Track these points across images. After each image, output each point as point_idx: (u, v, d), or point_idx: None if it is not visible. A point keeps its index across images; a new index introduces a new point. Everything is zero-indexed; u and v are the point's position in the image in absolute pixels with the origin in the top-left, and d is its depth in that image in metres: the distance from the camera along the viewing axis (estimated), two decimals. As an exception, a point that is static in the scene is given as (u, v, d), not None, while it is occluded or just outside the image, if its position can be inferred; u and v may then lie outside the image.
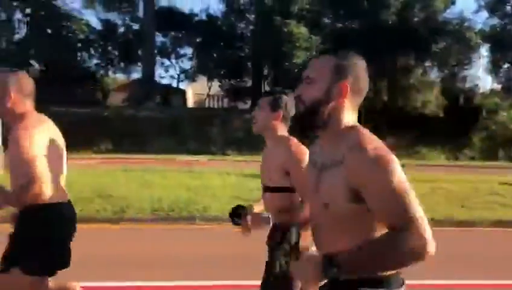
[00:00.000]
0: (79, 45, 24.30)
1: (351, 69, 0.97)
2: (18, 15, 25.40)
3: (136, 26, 24.30)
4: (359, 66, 0.98)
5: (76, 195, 4.62)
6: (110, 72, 25.68)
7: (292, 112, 1.29)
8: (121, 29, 24.71)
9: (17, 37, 25.09)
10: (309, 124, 0.98)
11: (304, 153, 1.41)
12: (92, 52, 24.71)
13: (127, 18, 24.83)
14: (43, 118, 1.68)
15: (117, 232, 4.54)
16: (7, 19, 24.73)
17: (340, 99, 0.96)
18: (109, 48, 24.58)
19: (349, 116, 0.99)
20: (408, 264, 0.86)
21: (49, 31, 24.10)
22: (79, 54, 24.59)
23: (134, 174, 7.99)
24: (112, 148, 16.67)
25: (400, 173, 0.87)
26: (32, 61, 24.83)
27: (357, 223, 0.89)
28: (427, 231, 0.84)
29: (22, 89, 1.59)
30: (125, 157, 12.64)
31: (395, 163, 0.87)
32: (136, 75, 25.30)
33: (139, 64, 24.31)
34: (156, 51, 23.43)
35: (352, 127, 0.98)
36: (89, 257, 2.92)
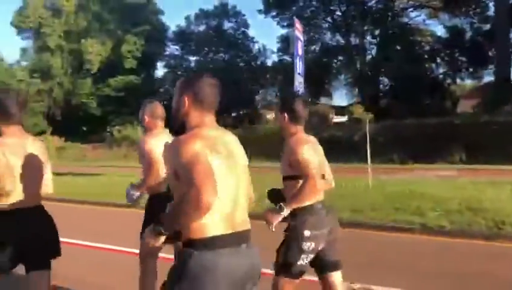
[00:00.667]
0: (425, 56, 38.28)
1: (192, 86, 2.20)
2: (368, 37, 43.38)
3: (486, 27, 34.96)
4: (200, 83, 2.21)
5: (445, 207, 7.96)
6: (457, 79, 37.90)
7: (302, 112, 3.25)
8: (469, 33, 36.23)
9: (368, 58, 42.75)
10: (175, 126, 2.30)
11: (298, 144, 3.06)
12: (438, 61, 37.94)
13: (475, 20, 36.15)
14: (162, 131, 4.02)
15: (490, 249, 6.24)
16: (360, 42, 42.85)
17: (185, 108, 2.19)
18: (456, 54, 36.83)
19: (197, 120, 2.19)
20: (191, 214, 1.88)
21: (397, 47, 39.77)
22: (426, 65, 38.50)
23: (503, 186, 10.47)
24: (466, 158, 22.24)
25: (186, 153, 1.97)
26: (381, 78, 41.76)
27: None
28: (202, 190, 1.84)
29: (153, 113, 4.05)
30: (484, 168, 16.70)
31: (184, 147, 1.99)
32: (488, 78, 35.90)
33: (491, 66, 34.65)
34: (510, 50, 32.74)
35: (192, 128, 2.18)
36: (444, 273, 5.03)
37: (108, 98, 48.61)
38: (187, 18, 52.99)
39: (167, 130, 4.13)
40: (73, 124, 52.36)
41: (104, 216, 10.05)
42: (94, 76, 50.60)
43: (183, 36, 53.06)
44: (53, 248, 3.23)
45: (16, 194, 2.95)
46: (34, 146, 3.14)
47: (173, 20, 77.91)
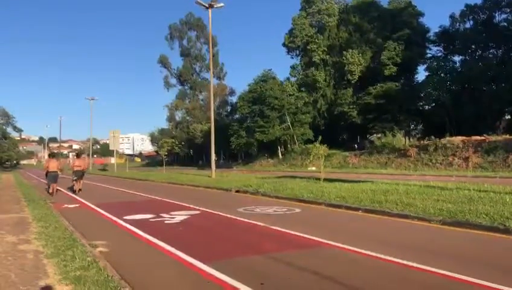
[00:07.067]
0: None
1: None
2: None
3: None
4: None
5: None
6: None
7: None
8: None
9: None
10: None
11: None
12: None
13: None
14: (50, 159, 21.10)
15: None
16: None
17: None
18: None
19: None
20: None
21: None
22: None
23: None
24: None
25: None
26: None
27: None
28: None
29: (49, 154, 17.58)
30: None
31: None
32: None
33: None
34: None
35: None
36: None
37: (368, 106, 49.30)
38: (451, 16, 49.45)
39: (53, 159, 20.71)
40: (335, 132, 55.21)
41: (382, 226, 9.91)
42: (354, 86, 52.20)
43: (446, 36, 49.82)
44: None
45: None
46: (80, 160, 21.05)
47: (434, 20, 74.49)
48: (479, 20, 47.64)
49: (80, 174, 20.05)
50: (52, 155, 23.54)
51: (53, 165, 19.31)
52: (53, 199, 16.61)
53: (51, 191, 18.97)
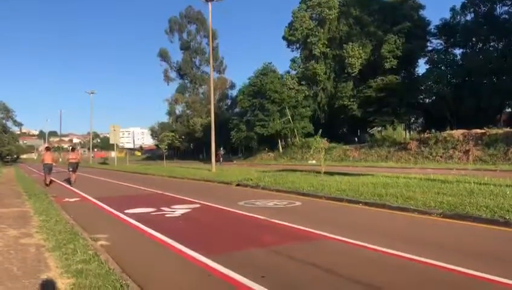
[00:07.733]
0: None
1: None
2: None
3: None
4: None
5: None
6: None
7: None
8: None
9: None
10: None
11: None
12: None
13: None
14: (47, 152, 23.13)
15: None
16: None
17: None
18: None
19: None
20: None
21: None
22: None
23: None
24: None
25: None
26: None
27: None
28: None
29: (46, 147, 27.50)
30: None
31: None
32: None
33: None
34: None
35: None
36: None
37: (369, 99, 49.22)
38: (452, 9, 49.24)
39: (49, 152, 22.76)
40: (335, 126, 55.14)
41: (384, 218, 9.94)
42: (355, 79, 52.07)
43: (447, 29, 49.62)
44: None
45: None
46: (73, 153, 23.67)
47: (435, 13, 74.03)
48: (479, 13, 47.41)
49: (74, 166, 21.83)
50: (47, 149, 25.21)
51: (48, 157, 21.32)
52: (54, 193, 16.64)
53: (46, 181, 20.89)
